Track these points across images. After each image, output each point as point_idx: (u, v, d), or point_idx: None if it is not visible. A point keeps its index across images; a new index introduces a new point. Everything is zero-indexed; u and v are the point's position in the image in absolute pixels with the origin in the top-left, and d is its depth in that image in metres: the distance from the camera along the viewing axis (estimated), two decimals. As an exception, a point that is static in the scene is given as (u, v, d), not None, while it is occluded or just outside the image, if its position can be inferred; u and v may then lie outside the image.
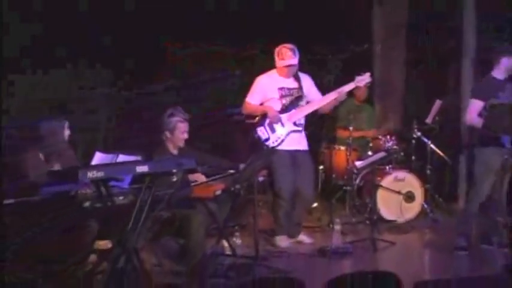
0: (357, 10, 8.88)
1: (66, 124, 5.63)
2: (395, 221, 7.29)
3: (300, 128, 6.49)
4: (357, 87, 8.06)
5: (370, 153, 7.67)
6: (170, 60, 9.01)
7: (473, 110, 6.10)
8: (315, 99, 6.56)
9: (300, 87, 6.50)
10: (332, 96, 6.54)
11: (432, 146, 7.87)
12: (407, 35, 9.04)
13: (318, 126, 7.12)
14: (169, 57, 9.01)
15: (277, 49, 6.46)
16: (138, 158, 5.10)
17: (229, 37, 8.81)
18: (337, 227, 6.81)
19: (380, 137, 7.85)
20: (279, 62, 6.43)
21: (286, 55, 6.39)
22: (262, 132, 6.43)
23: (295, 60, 6.41)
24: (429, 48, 8.74)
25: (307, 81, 6.59)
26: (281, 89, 6.47)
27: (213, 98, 8.87)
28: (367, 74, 6.61)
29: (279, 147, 6.40)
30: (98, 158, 5.30)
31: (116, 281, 4.61)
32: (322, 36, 7.46)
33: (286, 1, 8.50)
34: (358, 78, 6.57)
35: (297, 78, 6.52)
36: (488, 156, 6.14)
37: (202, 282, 5.19)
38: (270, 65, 6.61)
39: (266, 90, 6.48)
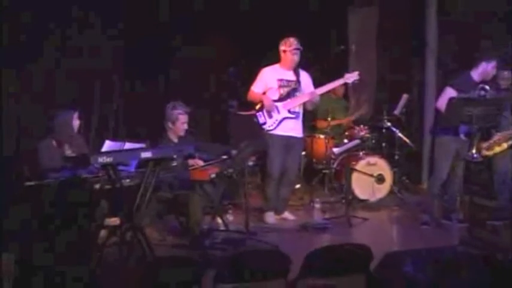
0: (333, 15, 8.82)
1: (76, 115, 5.58)
2: (367, 200, 7.27)
3: (294, 116, 6.43)
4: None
5: (345, 141, 7.65)
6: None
7: (445, 96, 5.98)
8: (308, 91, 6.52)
9: (298, 81, 6.46)
10: (324, 89, 6.53)
11: (400, 134, 7.85)
12: (378, 37, 9.00)
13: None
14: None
15: (283, 40, 6.40)
16: (143, 145, 5.08)
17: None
18: (317, 206, 6.84)
19: (354, 126, 7.84)
20: (287, 48, 6.35)
21: (293, 42, 6.36)
22: (261, 117, 6.40)
23: (300, 46, 6.37)
24: (396, 48, 8.69)
25: (305, 77, 6.54)
26: (280, 80, 6.43)
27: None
28: (356, 73, 6.56)
29: (274, 132, 6.37)
30: (108, 145, 5.26)
31: (124, 253, 4.60)
32: (304, 39, 7.35)
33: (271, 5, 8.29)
34: (347, 75, 6.54)
35: (297, 73, 6.47)
36: (446, 143, 6.11)
37: (201, 254, 5.16)
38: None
39: (268, 80, 6.44)
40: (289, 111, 6.41)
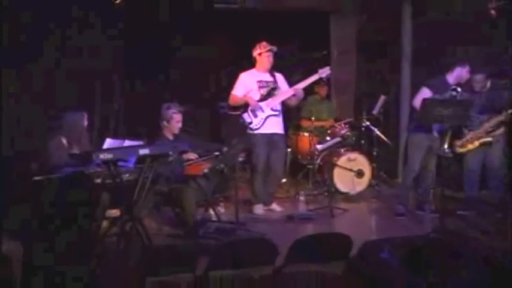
0: (317, 23, 8.83)
1: (85, 116, 5.58)
2: (348, 192, 7.30)
3: (277, 113, 6.50)
4: (319, 86, 8.16)
5: (328, 138, 7.66)
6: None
7: (421, 96, 6.04)
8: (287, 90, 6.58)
9: (275, 81, 6.54)
10: (303, 84, 6.58)
11: (378, 132, 7.88)
12: (358, 44, 9.03)
13: (285, 117, 7.07)
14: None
15: (256, 45, 6.49)
16: (141, 142, 5.08)
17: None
18: (302, 198, 6.85)
19: (336, 125, 7.87)
20: (261, 50, 6.45)
21: (266, 45, 6.45)
22: (247, 117, 6.43)
23: (273, 48, 6.45)
24: (375, 53, 8.72)
25: (280, 78, 6.63)
26: (259, 81, 6.49)
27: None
28: (327, 67, 6.66)
29: (258, 131, 6.41)
30: (108, 142, 5.26)
31: (124, 243, 4.60)
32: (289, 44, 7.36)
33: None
34: (320, 70, 6.61)
35: (272, 75, 6.56)
36: (419, 139, 6.18)
37: (195, 242, 5.18)
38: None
39: (247, 83, 6.49)
40: (272, 109, 6.46)
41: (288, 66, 6.63)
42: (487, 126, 6.03)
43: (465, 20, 7.31)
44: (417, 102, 6.02)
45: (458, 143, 6.08)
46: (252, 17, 8.00)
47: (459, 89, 5.83)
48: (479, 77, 6.07)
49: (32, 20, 6.44)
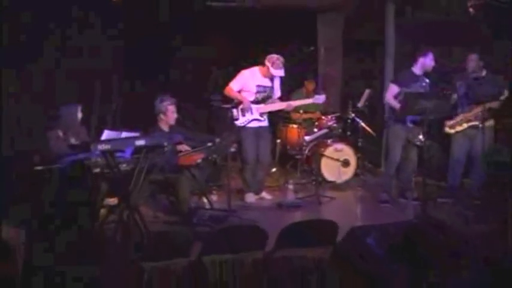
0: (305, 20, 8.80)
1: (80, 108, 5.54)
2: (335, 181, 7.30)
3: (263, 119, 6.46)
4: (308, 81, 8.16)
5: (315, 130, 7.68)
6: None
7: (390, 92, 6.20)
8: (277, 98, 6.56)
9: (272, 87, 6.48)
10: (296, 103, 6.69)
11: (363, 124, 7.89)
12: (343, 40, 9.02)
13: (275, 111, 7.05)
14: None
15: (271, 57, 6.31)
16: (137, 134, 5.06)
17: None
18: (291, 187, 6.88)
19: (323, 117, 7.87)
20: (271, 69, 6.29)
21: (279, 67, 6.30)
22: (235, 113, 6.39)
23: (282, 73, 6.35)
24: (360, 50, 8.72)
25: (277, 83, 6.55)
26: (258, 86, 6.41)
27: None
28: (323, 96, 6.69)
29: (246, 125, 6.38)
30: (106, 134, 5.24)
31: (121, 229, 4.59)
32: (278, 41, 7.25)
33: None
34: (316, 96, 6.70)
35: (272, 79, 6.46)
36: (397, 131, 6.21)
37: (189, 229, 5.18)
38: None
39: (246, 82, 6.40)
40: (259, 114, 6.43)
41: (288, 66, 6.52)
42: (477, 110, 5.98)
43: (450, 19, 7.33)
44: (388, 98, 6.18)
45: (448, 123, 6.07)
46: (252, 16, 7.81)
47: (427, 80, 6.02)
48: (473, 56, 6.06)
49: (32, 20, 6.26)
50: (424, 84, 6.13)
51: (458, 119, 6.08)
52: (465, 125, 6.05)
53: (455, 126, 6.08)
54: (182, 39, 7.95)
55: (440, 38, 7.29)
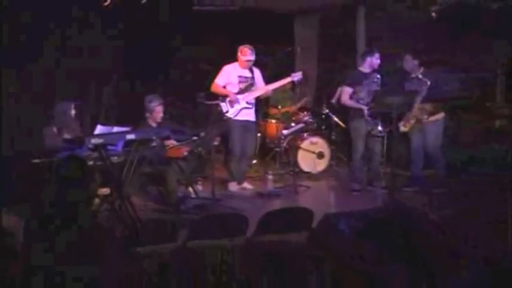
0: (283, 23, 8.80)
1: (73, 105, 5.50)
2: (310, 172, 7.35)
3: (250, 106, 6.53)
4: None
5: (293, 124, 7.71)
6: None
7: (345, 95, 6.34)
8: (261, 87, 6.60)
9: (253, 77, 6.55)
10: (275, 85, 6.67)
11: (336, 119, 7.92)
12: (319, 41, 9.05)
13: (256, 106, 7.02)
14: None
15: (240, 48, 6.43)
16: (128, 129, 5.05)
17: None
18: (270, 177, 6.93)
19: (299, 113, 7.90)
20: (241, 58, 6.42)
21: (247, 53, 6.39)
22: (224, 106, 6.42)
23: (252, 57, 6.42)
24: (334, 49, 8.75)
25: (258, 74, 6.62)
26: (240, 76, 6.49)
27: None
28: (300, 72, 6.73)
29: (235, 118, 6.41)
30: (99, 129, 5.21)
31: (113, 218, 4.59)
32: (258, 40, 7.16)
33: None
34: (293, 74, 6.70)
35: (252, 71, 6.55)
36: (357, 124, 6.32)
37: (177, 217, 5.18)
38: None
39: (229, 75, 6.48)
40: (247, 102, 6.48)
41: (283, 67, 6.53)
42: (418, 106, 6.05)
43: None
44: (344, 100, 6.34)
45: (401, 123, 6.15)
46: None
47: (378, 76, 6.19)
48: (407, 57, 6.14)
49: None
50: (376, 80, 6.29)
51: (406, 116, 6.14)
52: (412, 121, 6.14)
53: (405, 124, 6.16)
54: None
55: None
